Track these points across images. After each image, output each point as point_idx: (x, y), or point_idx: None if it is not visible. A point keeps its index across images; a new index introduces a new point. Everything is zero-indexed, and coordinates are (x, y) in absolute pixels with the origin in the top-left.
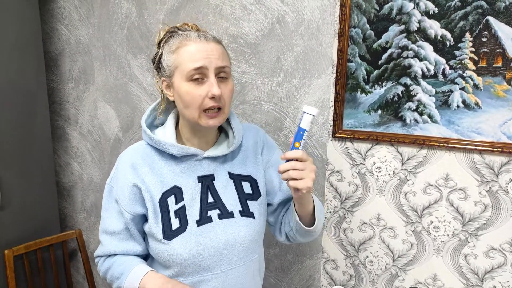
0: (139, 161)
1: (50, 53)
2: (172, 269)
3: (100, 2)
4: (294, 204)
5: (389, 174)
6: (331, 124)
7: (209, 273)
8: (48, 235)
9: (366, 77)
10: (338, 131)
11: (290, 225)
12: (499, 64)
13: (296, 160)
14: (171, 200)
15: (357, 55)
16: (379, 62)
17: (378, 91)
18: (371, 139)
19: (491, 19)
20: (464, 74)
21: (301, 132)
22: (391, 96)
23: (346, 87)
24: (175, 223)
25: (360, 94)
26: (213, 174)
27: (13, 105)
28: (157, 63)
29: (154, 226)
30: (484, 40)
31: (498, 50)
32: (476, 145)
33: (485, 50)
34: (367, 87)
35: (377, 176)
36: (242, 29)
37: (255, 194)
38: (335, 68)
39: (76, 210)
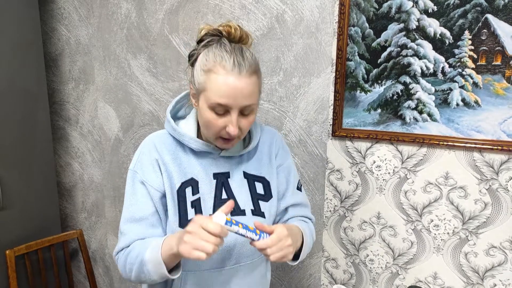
0: (163, 147)
1: (50, 53)
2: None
3: (99, 3)
4: None
5: (389, 173)
6: (331, 123)
7: (219, 268)
8: (49, 235)
9: (365, 76)
10: (337, 130)
11: None
12: (498, 62)
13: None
14: (188, 190)
15: (356, 54)
16: (379, 61)
17: (378, 89)
18: (370, 137)
19: (490, 17)
20: (464, 72)
21: None
22: (391, 95)
23: (345, 86)
24: (191, 213)
25: (360, 92)
26: (229, 172)
27: (13, 106)
28: (192, 62)
29: (172, 213)
30: (483, 38)
31: (497, 48)
32: (476, 143)
33: (484, 48)
34: (366, 85)
35: (377, 174)
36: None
37: (267, 195)
38: (334, 67)
39: (77, 210)
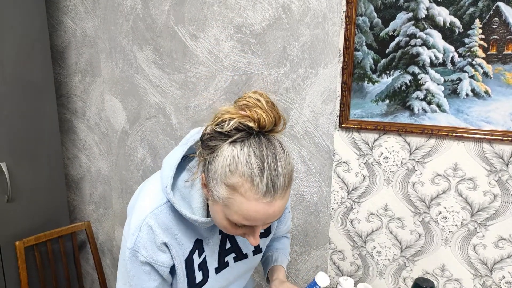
0: (165, 228)
1: (56, 46)
2: None
3: None
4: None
5: (396, 165)
6: (338, 115)
7: None
8: (58, 227)
9: (373, 66)
10: (345, 122)
11: (261, 261)
12: (509, 51)
13: None
14: (195, 256)
15: (364, 44)
16: (387, 51)
17: (386, 80)
18: (378, 129)
19: (501, 5)
20: (474, 62)
21: None
22: (399, 85)
23: (353, 76)
24: (199, 277)
25: (367, 83)
26: None
27: (21, 99)
28: (209, 152)
29: (180, 282)
30: (494, 26)
31: (508, 37)
32: (485, 134)
33: (495, 37)
34: (374, 76)
35: (385, 166)
36: (247, 19)
37: (267, 232)
38: (341, 57)
39: (85, 202)
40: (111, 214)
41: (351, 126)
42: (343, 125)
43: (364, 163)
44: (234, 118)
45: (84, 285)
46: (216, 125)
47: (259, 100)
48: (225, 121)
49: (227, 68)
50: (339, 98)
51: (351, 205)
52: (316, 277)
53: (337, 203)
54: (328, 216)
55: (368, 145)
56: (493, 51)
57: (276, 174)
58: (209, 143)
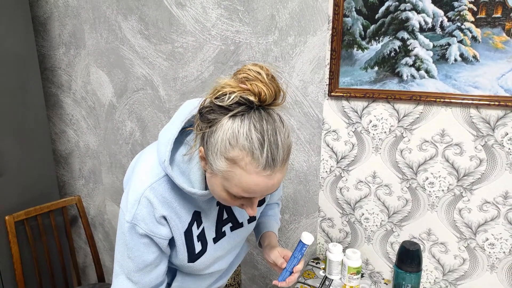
0: (164, 201)
1: (38, 17)
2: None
3: None
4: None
5: (385, 132)
6: (327, 83)
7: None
8: (48, 202)
9: (362, 33)
10: (334, 90)
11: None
12: (498, 15)
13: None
14: (194, 227)
15: (353, 9)
16: (376, 16)
17: (375, 46)
18: (367, 97)
19: None
20: (463, 26)
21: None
22: (388, 52)
23: (342, 43)
24: (198, 247)
25: (357, 50)
26: None
27: (3, 72)
28: (208, 125)
29: (181, 253)
30: None
31: (498, 0)
32: (472, 99)
33: (484, 0)
34: (363, 43)
35: (373, 134)
36: None
37: (261, 201)
38: (331, 24)
39: (75, 177)
40: (101, 188)
41: (340, 94)
42: (332, 94)
43: (353, 132)
44: (234, 92)
45: (77, 259)
46: (216, 98)
47: (259, 73)
48: (225, 94)
49: (214, 38)
50: (328, 66)
51: (340, 173)
52: (301, 238)
53: (326, 172)
54: (318, 185)
55: (357, 113)
56: (482, 15)
57: (276, 147)
58: (208, 116)
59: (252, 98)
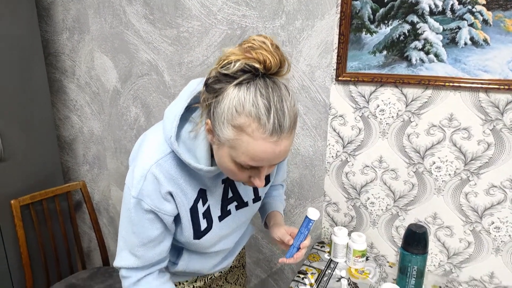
0: (169, 177)
1: (41, 2)
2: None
3: None
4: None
5: (392, 117)
6: (335, 68)
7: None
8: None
9: (371, 16)
10: (341, 74)
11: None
12: None
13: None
14: (199, 204)
15: None
16: (385, 0)
17: (384, 30)
18: (375, 81)
19: None
20: (474, 9)
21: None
22: (397, 36)
23: (350, 27)
24: (203, 224)
25: (365, 34)
26: None
27: (7, 58)
28: (214, 95)
29: (186, 230)
30: None
31: None
32: (482, 83)
33: None
34: (372, 26)
35: (381, 119)
36: None
37: (266, 181)
38: (339, 7)
39: (79, 163)
40: (106, 174)
41: (348, 79)
42: (339, 78)
43: (360, 116)
44: (239, 60)
45: (82, 244)
46: (221, 67)
47: (264, 42)
48: (231, 63)
49: (220, 22)
50: (336, 51)
51: (346, 158)
52: (307, 213)
53: (332, 156)
54: (323, 170)
55: (365, 97)
56: None
57: (282, 114)
58: (214, 86)
59: (257, 65)
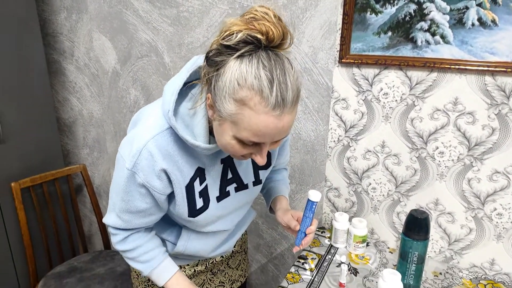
0: (166, 154)
1: None
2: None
3: None
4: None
5: (396, 100)
6: (338, 49)
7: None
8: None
9: None
10: (345, 57)
11: (261, 191)
12: None
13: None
14: (196, 183)
15: None
16: None
17: (389, 10)
18: (379, 63)
19: None
20: None
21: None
22: (403, 16)
23: (355, 7)
24: (199, 203)
25: (370, 14)
26: None
27: (4, 37)
28: (215, 68)
29: (181, 207)
30: None
31: None
32: (488, 66)
33: None
34: (377, 6)
35: (384, 102)
36: None
37: (267, 165)
38: None
39: (79, 146)
40: (106, 157)
41: (351, 61)
42: (343, 60)
43: (363, 100)
44: (241, 31)
45: (83, 227)
46: (223, 39)
47: (266, 14)
48: (232, 34)
49: (221, 1)
50: (339, 32)
51: (348, 143)
52: (309, 196)
53: (334, 141)
54: (325, 155)
55: (368, 81)
56: None
57: (285, 87)
58: (215, 59)
59: (260, 36)
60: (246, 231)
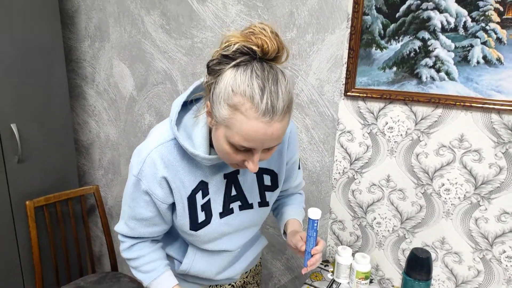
0: (168, 164)
1: (66, 10)
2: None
3: None
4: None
5: (401, 135)
6: (344, 82)
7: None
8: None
9: (382, 32)
10: (350, 90)
11: (275, 216)
12: None
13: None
14: (198, 195)
15: (373, 7)
16: (397, 15)
17: (394, 46)
18: (384, 98)
19: None
20: (487, 27)
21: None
22: (408, 52)
23: (360, 42)
24: (201, 216)
25: (375, 50)
26: (238, 170)
27: (31, 63)
28: (215, 76)
29: (182, 218)
30: None
31: None
32: (494, 104)
33: None
34: (382, 42)
35: (389, 136)
36: None
37: (274, 186)
38: (350, 22)
39: (94, 167)
40: (120, 179)
41: (357, 94)
42: (348, 93)
43: (368, 133)
44: (238, 42)
45: (94, 248)
46: (222, 49)
47: (264, 29)
48: (230, 44)
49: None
50: (345, 65)
51: (353, 175)
52: (309, 215)
53: (339, 173)
54: (330, 186)
55: (373, 114)
56: (509, 15)
57: (276, 96)
58: (214, 68)
59: (255, 48)
60: (260, 262)
